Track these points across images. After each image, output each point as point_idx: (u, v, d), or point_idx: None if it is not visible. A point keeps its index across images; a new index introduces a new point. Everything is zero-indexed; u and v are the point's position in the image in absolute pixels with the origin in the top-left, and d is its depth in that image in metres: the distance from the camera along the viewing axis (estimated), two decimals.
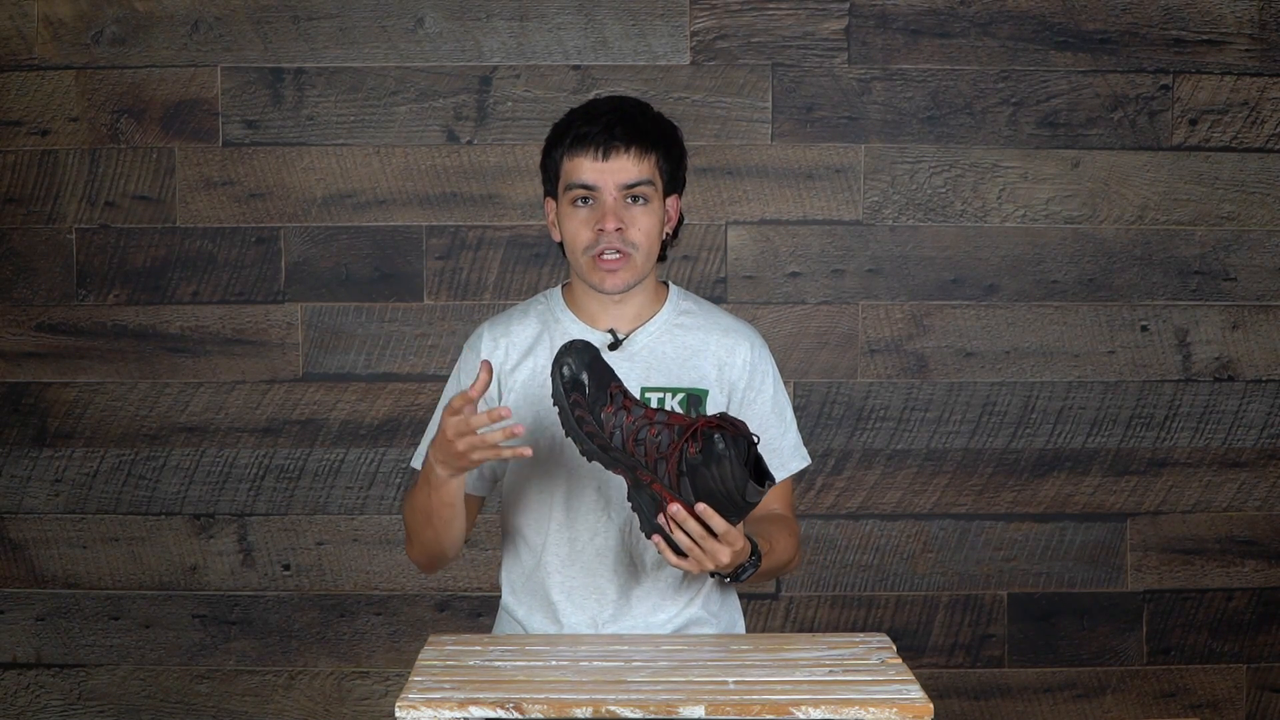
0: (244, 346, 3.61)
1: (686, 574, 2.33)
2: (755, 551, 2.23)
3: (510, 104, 3.59)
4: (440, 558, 2.38)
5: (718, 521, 2.10)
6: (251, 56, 3.58)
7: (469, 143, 3.60)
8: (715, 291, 3.60)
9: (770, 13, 3.59)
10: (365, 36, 3.57)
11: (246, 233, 3.60)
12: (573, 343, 2.15)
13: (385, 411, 3.63)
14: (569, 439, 2.16)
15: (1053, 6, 3.60)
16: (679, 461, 2.09)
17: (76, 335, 3.61)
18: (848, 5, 3.59)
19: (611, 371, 2.15)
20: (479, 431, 2.13)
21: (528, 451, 2.13)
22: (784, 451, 2.42)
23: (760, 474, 2.10)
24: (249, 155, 3.59)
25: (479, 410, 2.18)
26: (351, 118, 3.59)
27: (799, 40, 3.59)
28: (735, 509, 2.11)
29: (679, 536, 2.12)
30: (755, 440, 2.10)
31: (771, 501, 2.41)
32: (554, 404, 2.15)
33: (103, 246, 3.60)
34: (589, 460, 2.16)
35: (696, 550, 2.12)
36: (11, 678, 3.65)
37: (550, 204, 2.39)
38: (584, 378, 2.12)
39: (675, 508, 2.10)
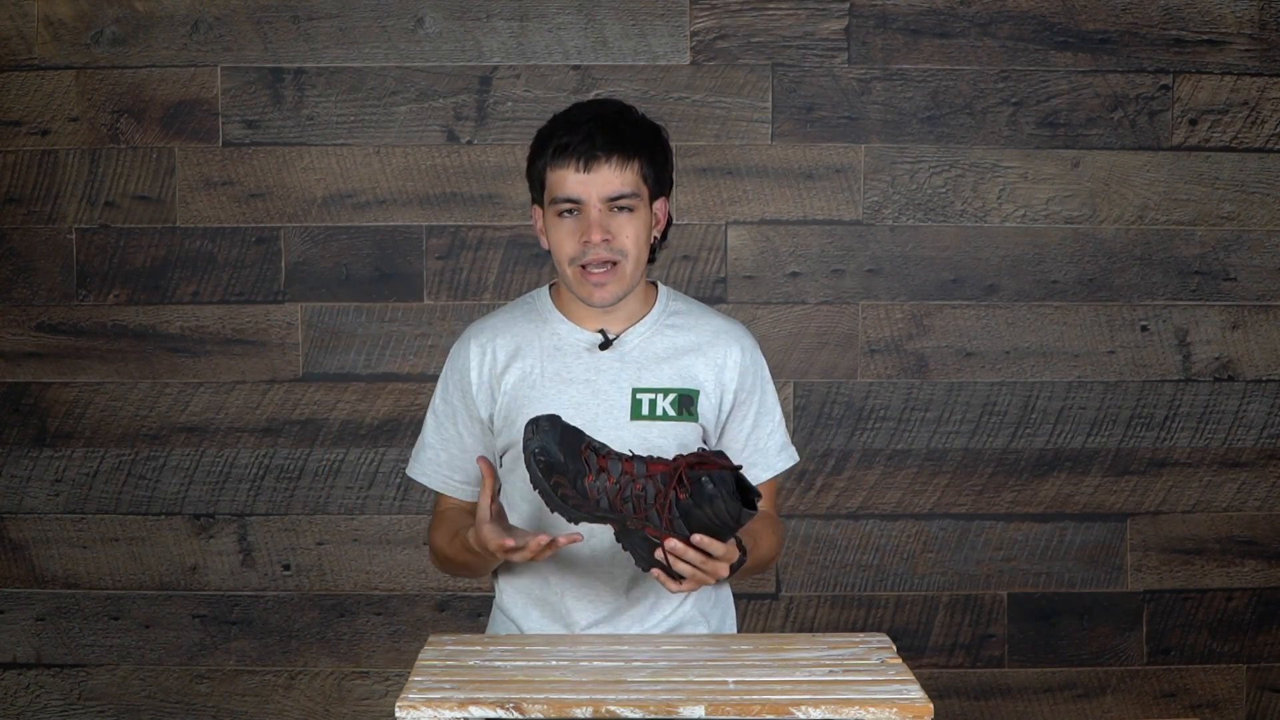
0: (244, 346, 3.61)
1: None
2: (740, 548, 2.25)
3: (510, 104, 3.59)
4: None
5: (716, 547, 2.13)
6: (251, 56, 3.57)
7: (469, 143, 3.60)
8: (715, 291, 3.60)
9: (770, 13, 3.59)
10: (365, 36, 3.57)
11: (246, 233, 3.60)
12: (537, 421, 2.15)
13: (385, 411, 3.63)
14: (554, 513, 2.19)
15: (1053, 6, 3.60)
16: (670, 508, 2.11)
17: (76, 335, 3.61)
18: (848, 5, 3.59)
19: (579, 433, 2.16)
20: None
21: (579, 536, 2.18)
22: (770, 451, 2.42)
23: (746, 494, 2.12)
24: (249, 155, 3.59)
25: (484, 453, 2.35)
26: (351, 118, 3.59)
27: (799, 40, 3.59)
28: (729, 531, 2.14)
29: (679, 566, 2.14)
30: (738, 468, 2.12)
31: None
32: (534, 488, 2.16)
33: (103, 246, 3.60)
34: (575, 523, 2.18)
35: (698, 574, 2.16)
36: (11, 678, 3.65)
37: (537, 211, 2.37)
38: (557, 453, 2.13)
39: (672, 543, 2.12)
